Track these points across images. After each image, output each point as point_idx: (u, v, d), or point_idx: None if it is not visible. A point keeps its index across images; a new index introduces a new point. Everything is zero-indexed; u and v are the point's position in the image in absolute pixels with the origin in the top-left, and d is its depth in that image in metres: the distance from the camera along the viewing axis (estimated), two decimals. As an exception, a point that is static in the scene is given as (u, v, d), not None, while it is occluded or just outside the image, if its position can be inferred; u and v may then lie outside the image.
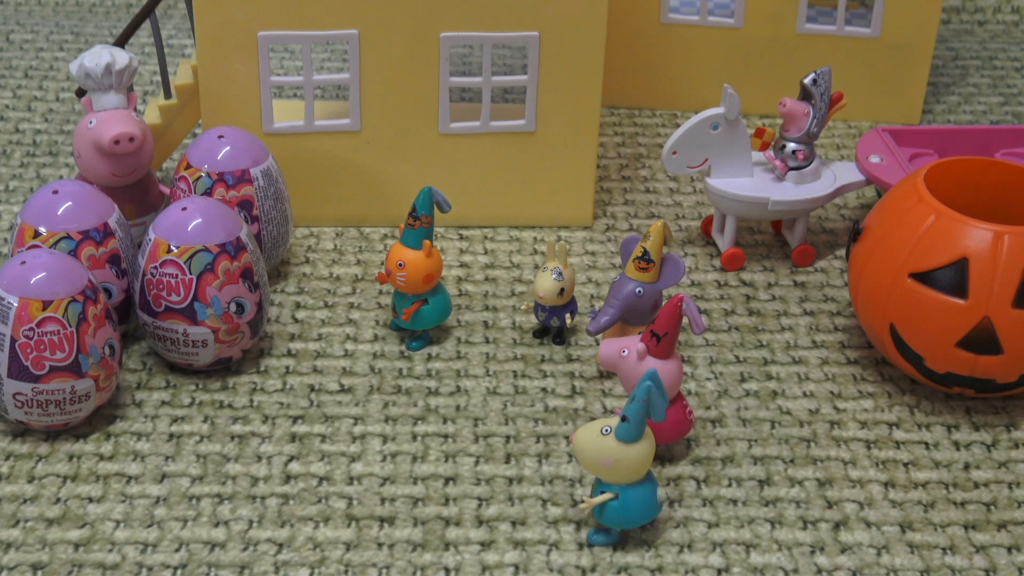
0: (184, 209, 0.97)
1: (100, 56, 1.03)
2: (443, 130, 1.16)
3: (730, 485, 0.93)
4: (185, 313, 0.96)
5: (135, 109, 1.08)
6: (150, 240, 0.97)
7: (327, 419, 0.98)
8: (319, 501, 0.91)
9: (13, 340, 0.90)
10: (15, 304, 0.90)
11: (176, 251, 0.96)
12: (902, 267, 0.96)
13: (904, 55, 1.38)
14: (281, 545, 0.87)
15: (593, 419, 0.98)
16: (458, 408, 0.99)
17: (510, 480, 0.93)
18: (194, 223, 0.96)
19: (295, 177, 1.16)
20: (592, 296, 1.13)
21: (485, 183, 1.19)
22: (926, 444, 0.98)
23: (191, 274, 0.96)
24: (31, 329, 0.90)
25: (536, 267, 1.16)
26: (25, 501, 0.90)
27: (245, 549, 0.87)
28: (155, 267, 0.96)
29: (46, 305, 0.90)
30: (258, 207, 1.06)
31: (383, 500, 0.91)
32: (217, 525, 0.88)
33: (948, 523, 0.91)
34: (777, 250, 1.20)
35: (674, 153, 1.13)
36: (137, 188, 1.10)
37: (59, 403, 0.92)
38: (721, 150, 1.13)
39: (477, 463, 0.94)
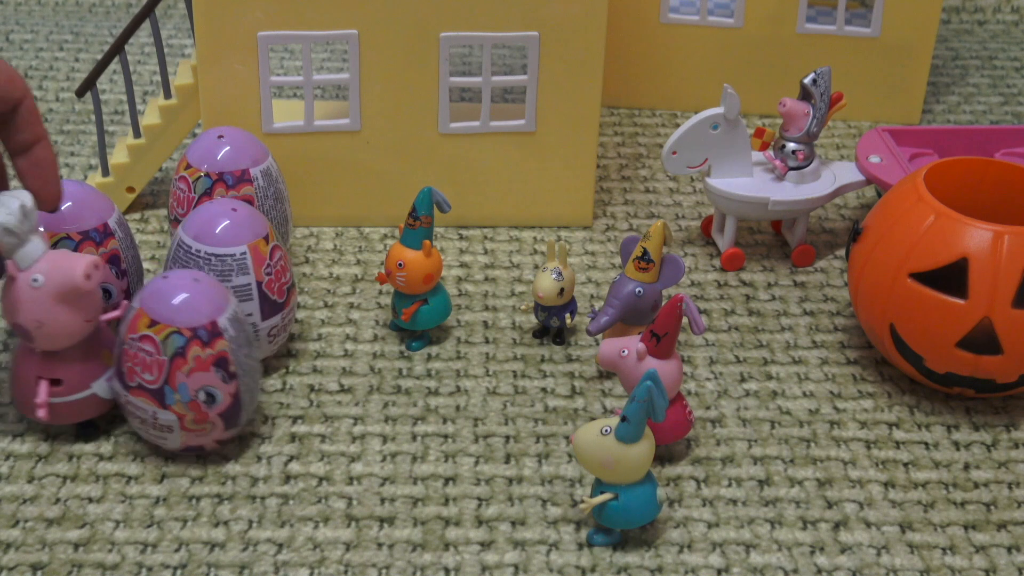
0: (165, 278, 0.91)
1: (7, 204, 0.85)
2: (443, 130, 1.16)
3: (730, 485, 0.93)
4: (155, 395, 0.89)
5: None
6: (133, 308, 0.90)
7: (327, 419, 0.98)
8: (319, 501, 0.91)
9: (259, 283, 0.95)
10: (247, 252, 0.95)
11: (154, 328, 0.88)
12: (902, 267, 0.96)
13: (904, 55, 1.38)
14: (281, 545, 0.87)
15: (593, 419, 0.98)
16: (458, 408, 0.99)
17: (510, 480, 0.93)
18: (179, 297, 0.89)
19: (295, 177, 1.16)
20: (592, 296, 1.13)
21: (485, 183, 1.19)
22: (926, 444, 0.98)
23: (164, 356, 0.88)
24: (268, 265, 0.96)
25: (536, 267, 1.16)
26: (25, 501, 0.90)
27: (245, 549, 0.87)
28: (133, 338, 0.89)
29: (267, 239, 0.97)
30: (258, 207, 1.06)
31: (383, 500, 0.91)
32: (217, 525, 0.88)
33: (948, 523, 0.91)
34: (777, 250, 1.20)
35: (674, 153, 1.13)
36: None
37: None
38: (721, 150, 1.13)
39: (477, 463, 0.94)
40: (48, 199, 0.89)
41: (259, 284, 0.97)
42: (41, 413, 0.91)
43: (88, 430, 0.95)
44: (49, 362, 0.91)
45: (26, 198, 0.87)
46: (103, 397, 0.93)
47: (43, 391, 0.91)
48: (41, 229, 0.89)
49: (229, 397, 0.89)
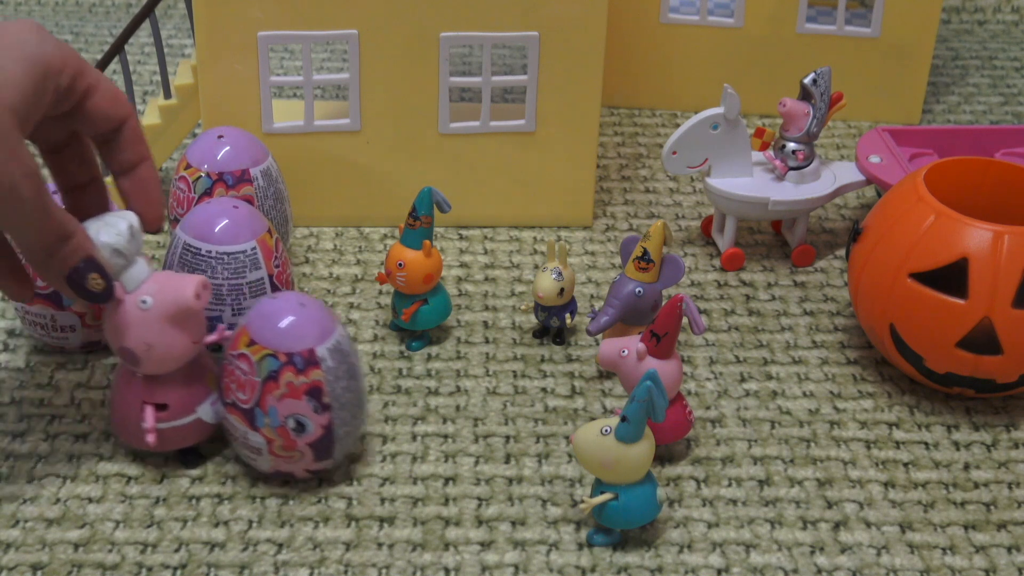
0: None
1: (115, 224, 0.84)
2: (443, 130, 1.16)
3: (730, 485, 0.93)
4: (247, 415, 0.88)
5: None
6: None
7: (327, 419, 0.98)
8: (319, 501, 0.91)
9: (270, 276, 0.96)
10: (257, 246, 0.96)
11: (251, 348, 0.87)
12: (902, 267, 0.96)
13: (904, 55, 1.38)
14: (281, 545, 0.87)
15: (593, 419, 0.98)
16: (458, 408, 0.99)
17: (510, 480, 0.93)
18: (288, 320, 0.86)
19: (295, 177, 1.16)
20: (592, 296, 1.13)
21: (485, 183, 1.19)
22: (926, 444, 0.98)
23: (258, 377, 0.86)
24: (276, 257, 0.97)
25: (536, 267, 1.16)
26: (25, 501, 0.90)
27: (245, 549, 0.87)
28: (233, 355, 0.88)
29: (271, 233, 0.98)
30: (258, 207, 1.06)
31: (383, 500, 0.91)
32: (217, 525, 0.88)
33: (948, 523, 0.91)
34: (777, 250, 1.20)
35: (674, 153, 1.13)
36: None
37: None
38: (721, 150, 1.13)
39: (477, 463, 0.94)
40: (152, 220, 0.88)
41: (270, 277, 0.97)
42: (150, 439, 0.88)
43: (191, 457, 0.92)
44: (153, 387, 0.89)
45: (133, 219, 0.85)
46: (208, 422, 0.91)
47: (150, 416, 0.88)
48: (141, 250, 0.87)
49: (320, 428, 0.86)
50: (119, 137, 0.85)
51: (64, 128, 0.86)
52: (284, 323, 0.85)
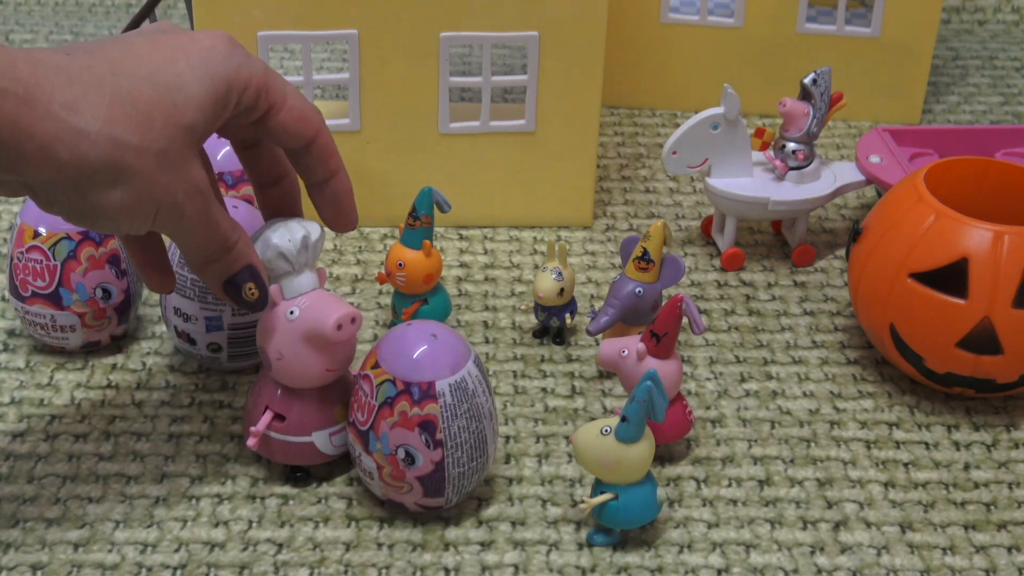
0: (408, 325, 0.91)
1: (292, 231, 0.85)
2: (443, 130, 1.16)
3: (730, 485, 0.93)
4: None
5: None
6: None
7: (327, 419, 0.98)
8: (319, 501, 0.91)
9: None
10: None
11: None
12: (902, 267, 0.96)
13: (904, 55, 1.38)
14: (281, 545, 0.87)
15: (593, 419, 0.98)
16: (458, 408, 0.99)
17: (510, 480, 0.93)
18: None
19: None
20: (592, 296, 1.13)
21: (485, 183, 1.19)
22: (926, 444, 0.98)
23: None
24: None
25: (536, 267, 1.16)
26: (25, 501, 0.90)
27: (245, 549, 0.87)
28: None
29: None
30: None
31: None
32: (217, 525, 0.88)
33: (948, 523, 0.91)
34: (777, 250, 1.20)
35: (674, 153, 1.13)
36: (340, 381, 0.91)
37: None
38: (721, 150, 1.13)
39: (477, 463, 0.94)
40: (343, 227, 0.88)
41: None
42: (251, 442, 0.88)
43: (299, 476, 0.91)
44: (283, 396, 0.88)
45: (314, 231, 0.85)
46: (320, 450, 0.89)
47: (264, 421, 0.88)
48: (319, 266, 0.87)
49: (431, 464, 0.84)
50: (309, 154, 0.84)
51: (251, 134, 0.85)
52: (408, 351, 0.84)
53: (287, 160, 0.88)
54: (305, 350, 0.85)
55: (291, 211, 0.89)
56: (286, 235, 0.84)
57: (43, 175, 0.73)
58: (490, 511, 0.90)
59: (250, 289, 0.83)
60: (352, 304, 1.10)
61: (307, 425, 0.88)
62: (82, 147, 0.72)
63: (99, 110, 0.73)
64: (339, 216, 0.88)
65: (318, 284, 0.86)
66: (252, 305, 0.84)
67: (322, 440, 0.89)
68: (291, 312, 0.85)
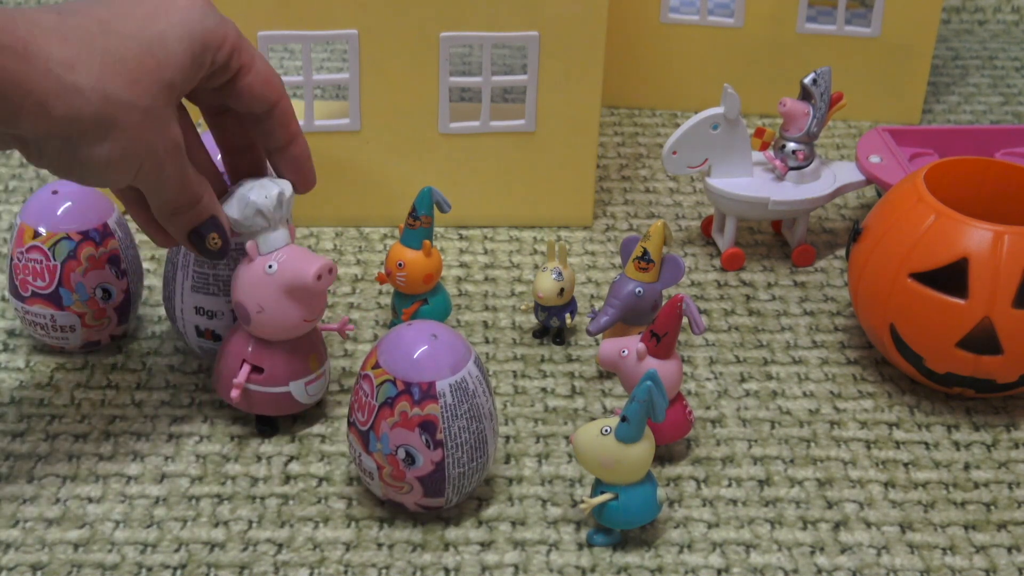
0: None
1: (267, 188, 0.88)
2: (443, 130, 1.16)
3: (730, 485, 0.93)
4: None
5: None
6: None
7: (327, 419, 0.98)
8: (319, 501, 0.91)
9: None
10: None
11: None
12: (902, 267, 0.96)
13: (904, 55, 1.38)
14: (281, 545, 0.87)
15: (593, 419, 0.98)
16: (458, 408, 0.99)
17: (510, 480, 0.93)
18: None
19: (295, 177, 1.16)
20: (592, 296, 1.13)
21: (485, 183, 1.19)
22: (926, 444, 0.98)
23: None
24: None
25: (536, 267, 1.16)
26: (25, 501, 0.90)
27: (245, 549, 0.87)
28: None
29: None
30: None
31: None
32: (217, 525, 0.88)
33: (948, 523, 0.91)
34: (777, 250, 1.20)
35: (674, 153, 1.13)
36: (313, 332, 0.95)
37: None
38: (721, 150, 1.13)
39: (477, 463, 0.94)
40: (304, 188, 0.91)
41: None
42: (234, 394, 0.92)
43: (267, 427, 0.95)
44: (258, 349, 0.92)
45: (287, 187, 0.89)
46: (296, 399, 0.93)
47: (243, 374, 0.91)
48: (289, 221, 0.91)
49: (431, 464, 0.84)
50: (270, 119, 0.87)
51: (218, 99, 0.87)
52: (408, 351, 0.84)
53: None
54: (285, 302, 0.89)
55: (260, 175, 0.92)
56: (262, 192, 0.88)
57: (38, 129, 0.76)
58: (490, 511, 0.90)
59: (213, 239, 0.87)
60: (352, 304, 1.10)
61: (285, 376, 0.92)
62: (76, 103, 0.75)
63: (92, 67, 0.76)
64: (301, 178, 0.90)
65: (290, 239, 0.90)
66: (215, 254, 0.87)
67: (299, 390, 0.93)
68: (269, 266, 0.88)
